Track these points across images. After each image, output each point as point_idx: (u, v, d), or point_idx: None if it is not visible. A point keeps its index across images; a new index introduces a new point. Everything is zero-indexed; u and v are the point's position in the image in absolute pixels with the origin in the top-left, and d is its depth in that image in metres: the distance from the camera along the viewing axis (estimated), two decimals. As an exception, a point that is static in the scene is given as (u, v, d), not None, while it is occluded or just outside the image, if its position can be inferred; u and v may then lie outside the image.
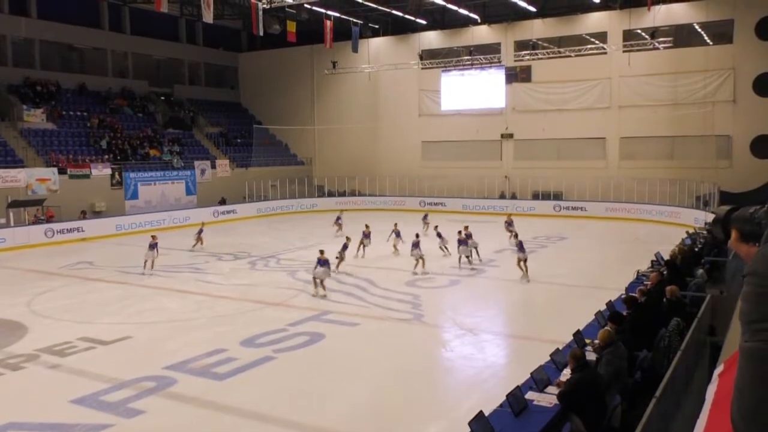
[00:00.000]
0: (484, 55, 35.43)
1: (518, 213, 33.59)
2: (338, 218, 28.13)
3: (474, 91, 36.43)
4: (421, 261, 19.08)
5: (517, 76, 35.94)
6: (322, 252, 16.92)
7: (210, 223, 32.25)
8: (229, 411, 9.28)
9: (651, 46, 30.80)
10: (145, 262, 19.69)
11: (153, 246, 19.81)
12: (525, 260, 17.88)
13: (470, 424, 6.00)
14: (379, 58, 38.91)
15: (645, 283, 11.69)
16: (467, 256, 19.64)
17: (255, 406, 9.43)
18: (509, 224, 25.71)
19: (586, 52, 32.80)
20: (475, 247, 20.26)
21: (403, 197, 37.88)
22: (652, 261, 15.14)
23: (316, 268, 16.48)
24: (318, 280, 16.25)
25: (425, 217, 28.27)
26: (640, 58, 32.33)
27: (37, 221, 27.00)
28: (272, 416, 9.19)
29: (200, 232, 24.61)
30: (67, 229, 26.96)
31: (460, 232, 20.09)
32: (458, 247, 19.89)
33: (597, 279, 17.97)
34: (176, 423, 9.01)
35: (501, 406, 6.81)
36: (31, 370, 11.09)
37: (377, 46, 39.73)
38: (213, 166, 36.58)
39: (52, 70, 35.92)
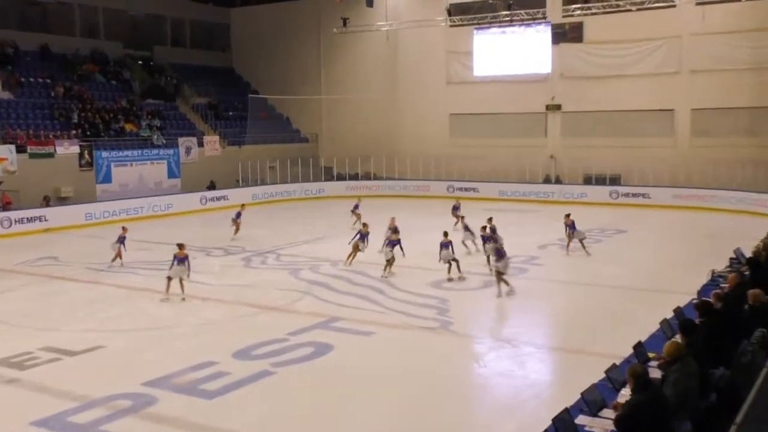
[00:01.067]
0: (526, 9, 35.13)
1: (566, 201, 33.30)
2: (238, 215, 25.67)
3: (513, 53, 36.09)
4: (453, 264, 18.44)
5: (565, 34, 35.59)
6: (446, 234, 18.45)
7: (196, 211, 32.56)
8: (219, 435, 9.32)
9: (731, -3, 30.35)
10: (115, 256, 20.27)
11: (121, 240, 20.30)
12: (582, 239, 20.71)
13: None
14: (399, 14, 38.74)
15: (722, 285, 11.60)
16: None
17: (249, 428, 9.46)
18: (456, 209, 25.79)
19: (649, 5, 32.38)
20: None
21: (427, 181, 37.83)
22: (730, 259, 15.02)
23: (441, 251, 18.04)
24: (445, 262, 17.97)
25: (456, 208, 26.40)
26: (716, 11, 31.90)
27: (-8, 209, 27.34)
28: (270, 442, 9.25)
29: (122, 240, 20.43)
30: (28, 218, 27.21)
31: (484, 228, 19.82)
32: (483, 244, 19.71)
33: (662, 281, 17.82)
34: (156, 449, 9.10)
35: (545, 432, 6.77)
36: (-14, 385, 11.22)
37: (397, -1, 39.60)
38: (200, 144, 36.75)
39: (8, 29, 36.19)
